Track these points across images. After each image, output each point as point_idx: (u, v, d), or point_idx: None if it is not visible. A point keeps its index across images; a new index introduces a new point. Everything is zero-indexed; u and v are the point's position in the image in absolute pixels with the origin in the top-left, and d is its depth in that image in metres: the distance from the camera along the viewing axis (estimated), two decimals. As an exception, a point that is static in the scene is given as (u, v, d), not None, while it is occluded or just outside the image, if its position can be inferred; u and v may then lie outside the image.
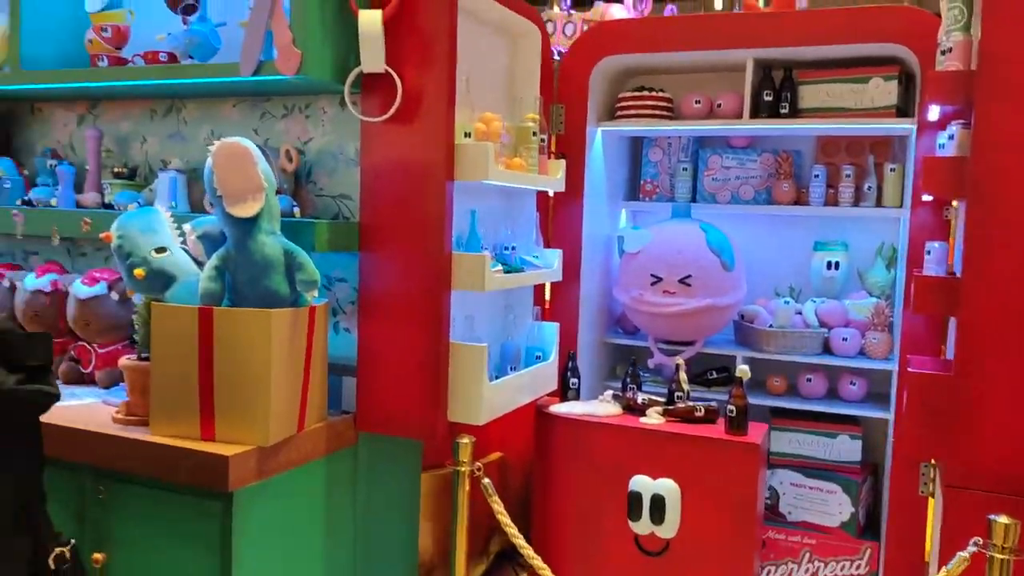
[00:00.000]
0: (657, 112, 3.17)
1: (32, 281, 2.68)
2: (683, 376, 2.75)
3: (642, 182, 3.53)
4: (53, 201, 2.64)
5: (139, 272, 2.11)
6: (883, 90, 2.93)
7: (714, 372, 3.27)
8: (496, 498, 2.41)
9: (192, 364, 2.04)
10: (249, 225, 2.05)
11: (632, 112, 3.19)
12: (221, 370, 2.03)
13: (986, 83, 2.14)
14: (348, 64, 2.27)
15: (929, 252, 2.50)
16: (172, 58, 2.47)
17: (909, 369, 2.42)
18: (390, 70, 2.23)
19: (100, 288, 2.56)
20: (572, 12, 4.04)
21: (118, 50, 2.57)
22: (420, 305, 2.30)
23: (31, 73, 2.56)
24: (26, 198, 2.67)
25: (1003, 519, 1.94)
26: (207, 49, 2.43)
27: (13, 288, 2.73)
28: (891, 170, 3.14)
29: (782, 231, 3.43)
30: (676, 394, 2.74)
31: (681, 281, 3.05)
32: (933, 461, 2.68)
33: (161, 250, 2.15)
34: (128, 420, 2.17)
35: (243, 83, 2.36)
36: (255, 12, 2.17)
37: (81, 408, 2.31)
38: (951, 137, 2.34)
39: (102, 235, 2.20)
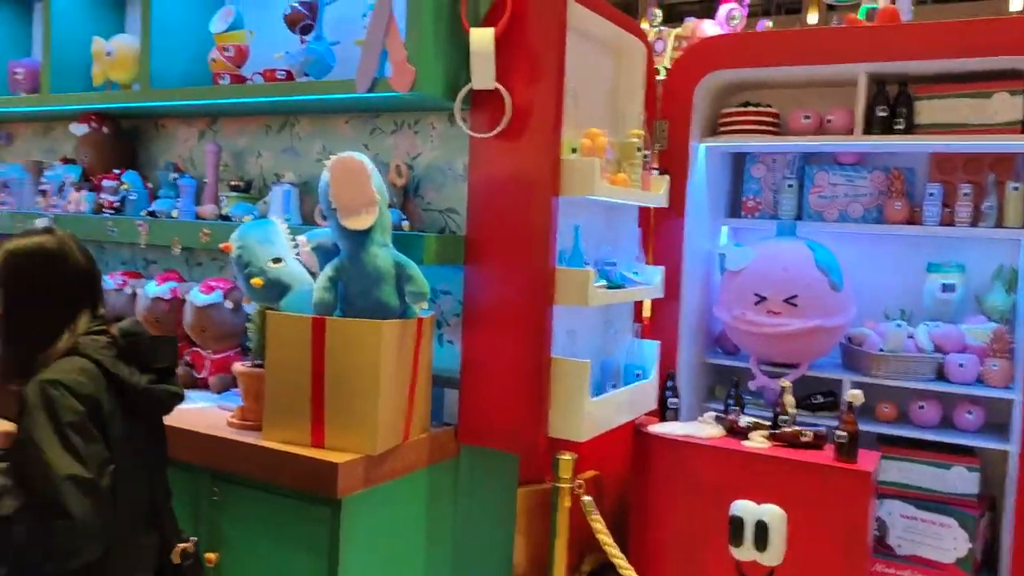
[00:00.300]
0: (762, 127, 3.11)
1: (153, 288, 2.81)
2: (789, 399, 2.66)
3: (744, 199, 3.45)
4: (174, 213, 2.77)
5: (256, 281, 2.18)
6: (1008, 104, 2.80)
7: (819, 396, 3.17)
8: (597, 516, 2.38)
9: (305, 372, 2.10)
10: (362, 237, 2.10)
11: (736, 128, 3.14)
12: (332, 378, 2.08)
13: None
14: (459, 81, 2.31)
15: (1060, 275, 2.37)
16: (289, 76, 2.56)
17: (1038, 399, 2.28)
18: (500, 86, 2.25)
19: (216, 296, 2.67)
20: (663, 29, 4.00)
21: (238, 68, 2.68)
22: (523, 319, 2.31)
23: (158, 91, 2.70)
24: (150, 209, 2.81)
25: None
26: (322, 67, 2.51)
27: (135, 295, 2.87)
28: (1014, 189, 2.99)
29: (893, 251, 3.30)
30: (781, 417, 2.65)
31: (787, 301, 2.97)
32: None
33: (277, 260, 2.22)
34: (242, 425, 2.25)
35: (356, 99, 2.43)
36: (371, 31, 2.23)
37: (197, 412, 2.39)
38: (1087, 154, 2.21)
39: (222, 245, 2.29)
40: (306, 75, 2.54)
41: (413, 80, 2.18)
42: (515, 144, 2.29)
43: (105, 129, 3.03)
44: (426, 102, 2.37)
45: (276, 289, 2.21)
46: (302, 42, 2.55)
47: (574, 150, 2.33)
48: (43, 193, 3.09)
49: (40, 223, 3.00)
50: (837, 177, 3.27)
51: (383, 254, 2.11)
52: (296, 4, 2.54)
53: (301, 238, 2.27)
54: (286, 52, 2.56)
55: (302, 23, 2.55)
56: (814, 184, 3.31)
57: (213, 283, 2.71)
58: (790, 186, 3.32)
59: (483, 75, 2.25)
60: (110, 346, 1.61)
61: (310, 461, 2.02)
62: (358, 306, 2.12)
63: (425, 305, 2.15)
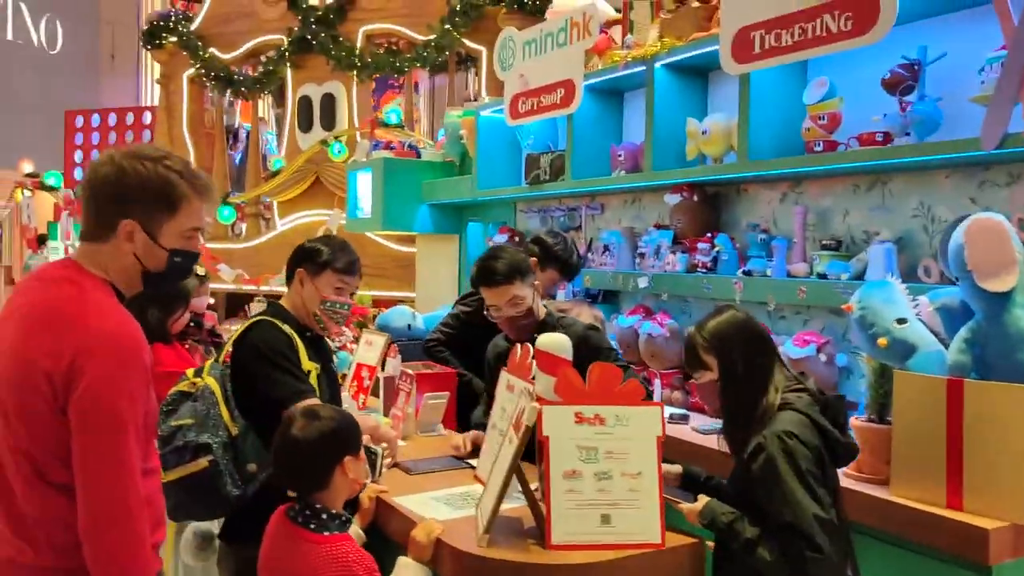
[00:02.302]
0: None
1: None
2: None
3: None
4: (768, 271, 3.02)
5: (882, 342, 2.27)
6: None
7: None
8: None
9: (939, 433, 2.12)
10: (1003, 299, 2.06)
11: None
12: (973, 442, 2.07)
13: None
14: (1102, 126, 2.14)
15: None
16: (887, 137, 2.63)
17: None
18: None
19: (810, 350, 2.84)
20: None
21: (831, 135, 2.83)
22: None
23: (756, 163, 2.98)
24: (746, 269, 3.10)
25: None
26: (929, 126, 2.53)
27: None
28: None
29: None
30: None
31: None
32: None
33: (902, 321, 2.28)
34: (859, 476, 2.35)
35: (966, 156, 2.40)
36: (1002, 86, 2.19)
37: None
38: None
39: (844, 306, 2.43)
40: (906, 135, 2.58)
41: (1055, 134, 2.09)
42: None
43: (695, 197, 3.43)
44: (1054, 151, 2.24)
45: (902, 349, 2.26)
46: (902, 104, 2.61)
47: None
48: (641, 255, 3.61)
49: (641, 281, 3.53)
50: None
51: (1027, 316, 2.05)
52: (897, 68, 2.61)
53: (922, 299, 2.31)
54: (884, 115, 2.64)
55: (903, 85, 2.60)
56: None
57: (807, 337, 2.89)
58: None
59: None
60: (812, 404, 1.86)
61: (956, 524, 2.03)
62: (998, 369, 2.08)
63: (1081, 370, 2.02)
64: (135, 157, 1.64)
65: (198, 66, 7.67)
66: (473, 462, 2.45)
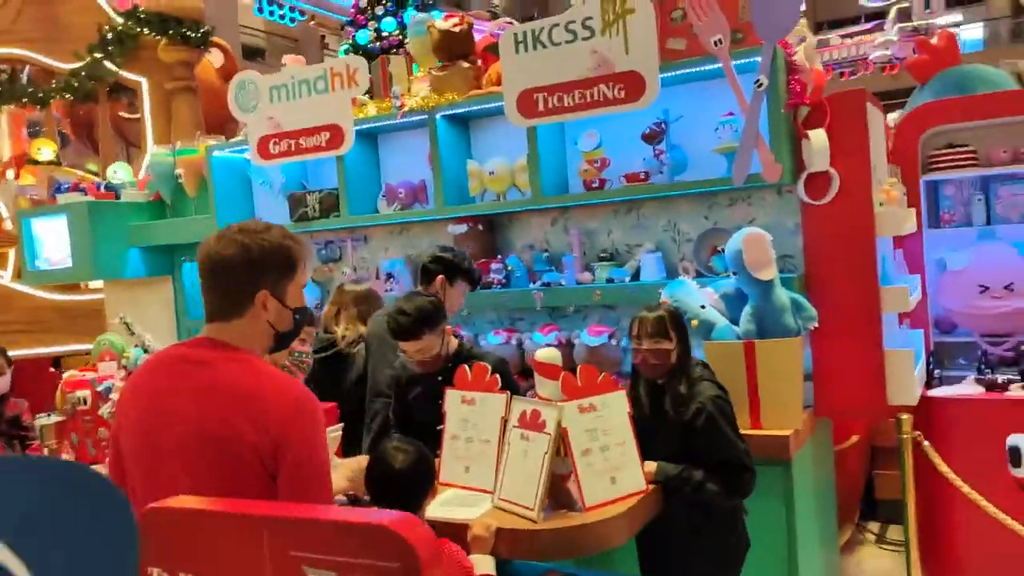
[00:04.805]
0: (965, 163, 4.10)
1: (540, 337, 3.84)
2: (1033, 359, 3.65)
3: (941, 213, 4.44)
4: (562, 282, 3.79)
5: (695, 322, 3.19)
6: None
7: (1031, 355, 4.14)
8: (937, 455, 3.38)
9: (741, 379, 3.11)
10: (769, 284, 3.11)
11: (944, 166, 4.13)
12: (764, 382, 3.09)
13: None
14: (793, 166, 3.32)
15: None
16: (647, 175, 3.59)
17: None
18: (830, 169, 3.27)
19: (603, 338, 3.70)
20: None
21: (601, 173, 3.71)
22: (858, 326, 3.31)
23: (547, 198, 3.73)
24: (544, 281, 3.83)
25: None
26: (679, 167, 3.54)
27: (520, 344, 3.91)
28: None
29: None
30: (1027, 373, 3.64)
31: (1006, 287, 3.96)
32: None
33: (703, 307, 3.23)
34: (682, 423, 3.26)
35: (701, 187, 3.46)
36: (743, 142, 3.24)
37: (628, 420, 3.40)
38: None
39: (659, 302, 3.28)
40: (660, 173, 3.57)
41: (781, 174, 3.20)
42: (841, 205, 3.30)
43: (480, 226, 4.06)
44: (769, 184, 3.38)
45: (705, 327, 3.22)
46: (656, 151, 3.59)
47: (881, 204, 3.34)
48: (431, 279, 4.11)
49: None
50: (1018, 188, 4.25)
51: (782, 294, 3.13)
52: (652, 126, 3.58)
53: (708, 289, 3.29)
54: (644, 159, 3.60)
55: (657, 138, 3.58)
56: (998, 196, 4.29)
57: (599, 328, 3.74)
58: (979, 200, 4.30)
59: (820, 161, 3.26)
60: (712, 372, 2.65)
61: (764, 437, 3.02)
62: (770, 331, 3.13)
63: (816, 324, 3.16)
64: (248, 233, 1.78)
65: None
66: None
